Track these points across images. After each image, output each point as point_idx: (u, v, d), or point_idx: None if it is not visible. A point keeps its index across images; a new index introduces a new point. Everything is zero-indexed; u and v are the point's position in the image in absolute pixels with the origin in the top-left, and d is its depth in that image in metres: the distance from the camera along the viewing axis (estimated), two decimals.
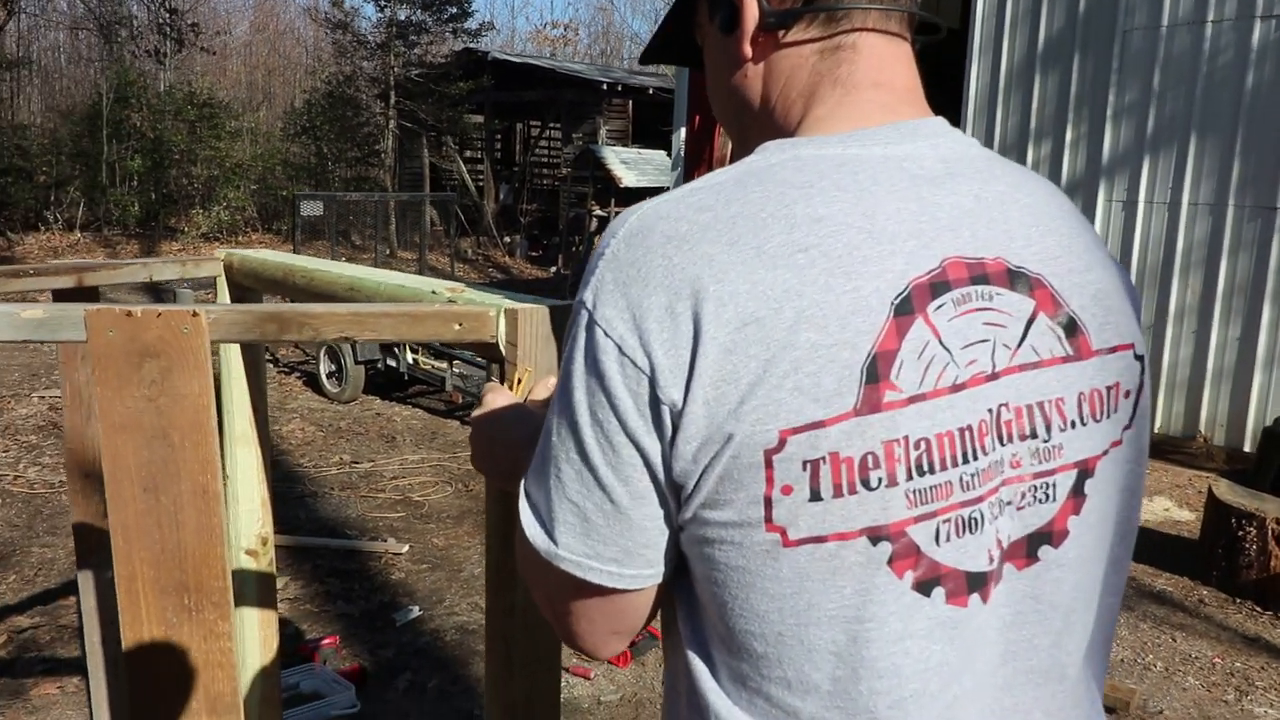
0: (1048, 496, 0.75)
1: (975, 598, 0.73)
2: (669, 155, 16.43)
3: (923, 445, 0.69)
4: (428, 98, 16.91)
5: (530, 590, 0.84)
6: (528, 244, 16.96)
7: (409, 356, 6.72)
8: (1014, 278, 0.74)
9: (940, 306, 0.70)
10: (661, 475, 0.70)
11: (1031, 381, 0.74)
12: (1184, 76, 5.92)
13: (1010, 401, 0.73)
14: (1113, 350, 0.78)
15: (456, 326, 1.16)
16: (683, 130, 8.86)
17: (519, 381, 1.13)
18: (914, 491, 0.69)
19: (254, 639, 1.87)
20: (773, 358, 0.66)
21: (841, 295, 0.68)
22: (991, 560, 0.73)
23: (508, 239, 17.13)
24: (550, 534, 0.73)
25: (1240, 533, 4.02)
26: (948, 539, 0.71)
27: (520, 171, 18.88)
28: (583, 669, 3.23)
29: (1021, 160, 6.70)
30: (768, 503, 0.68)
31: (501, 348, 1.17)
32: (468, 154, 19.39)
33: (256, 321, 1.15)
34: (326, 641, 3.24)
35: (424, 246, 9.17)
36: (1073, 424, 0.75)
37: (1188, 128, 5.93)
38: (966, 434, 0.71)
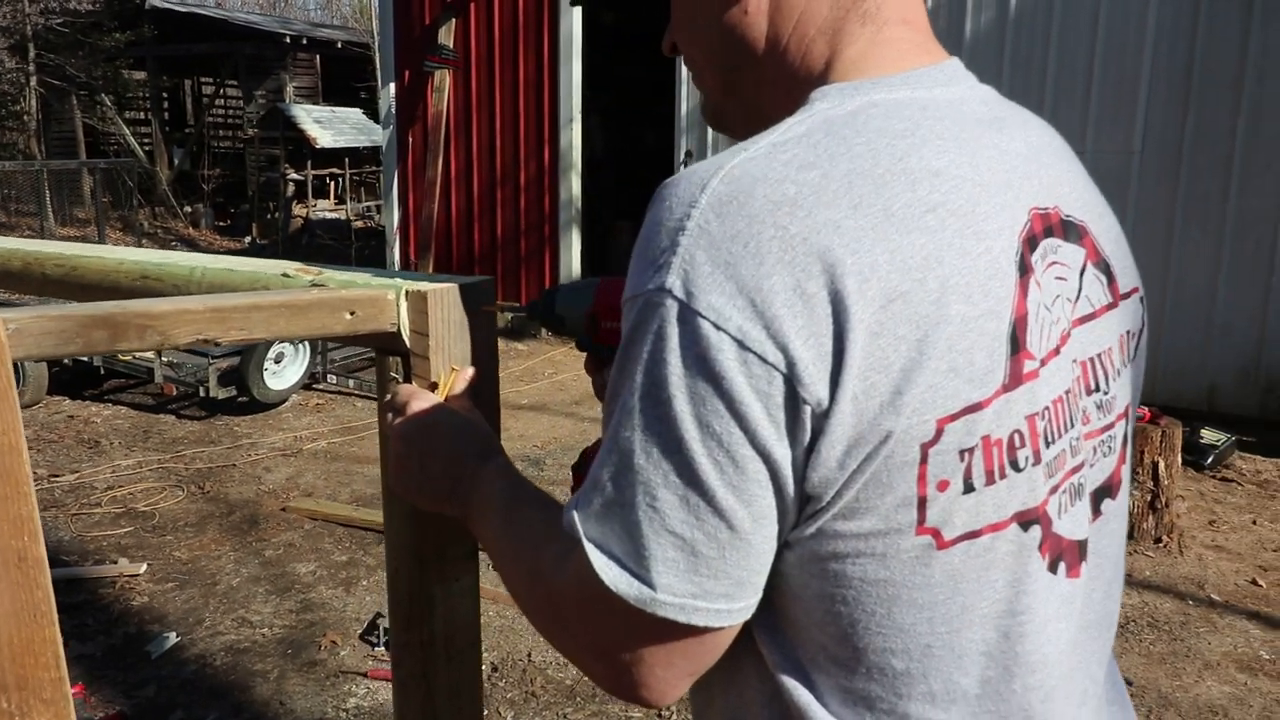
0: (1110, 450, 0.74)
1: (1083, 565, 0.70)
2: (366, 114, 15.64)
3: (1047, 414, 0.64)
4: (76, 51, 14.79)
5: (562, 639, 0.69)
6: (213, 213, 15.44)
7: None
8: (1067, 227, 0.70)
9: (1036, 262, 0.65)
10: (790, 488, 0.59)
11: (1090, 334, 0.71)
12: None
13: (1078, 356, 0.70)
14: (1130, 294, 0.77)
15: (348, 316, 0.95)
16: (391, 87, 8.39)
17: (443, 381, 0.95)
18: (1046, 465, 0.64)
19: None
20: (925, 337, 0.57)
21: (978, 259, 0.61)
22: (1089, 524, 0.71)
23: (189, 208, 15.49)
24: (644, 577, 0.60)
25: None
26: (1065, 510, 0.67)
27: (195, 134, 17.08)
28: (384, 672, 2.99)
29: None
30: (921, 503, 0.59)
31: (406, 339, 0.97)
32: (129, 115, 17.25)
33: (78, 329, 0.87)
34: (71, 693, 2.76)
35: (101, 220, 8.05)
36: (1118, 372, 0.74)
37: None
38: (1069, 397, 0.67)
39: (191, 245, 13.87)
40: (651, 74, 8.37)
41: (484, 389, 1.01)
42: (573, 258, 7.80)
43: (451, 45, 7.99)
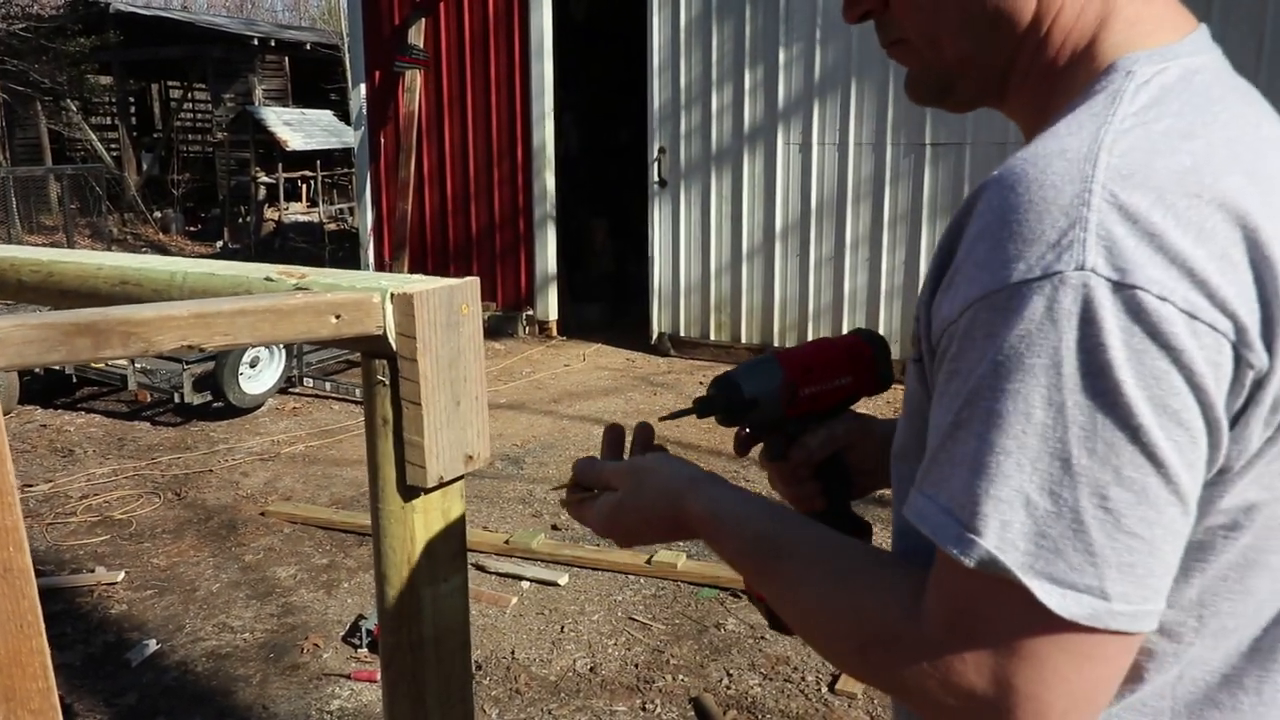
0: None
1: None
2: (337, 115, 15.51)
3: None
4: (40, 56, 14.58)
5: (902, 689, 0.63)
6: (184, 218, 15.28)
7: None
8: None
9: None
10: (1218, 464, 0.59)
11: None
12: (840, 26, 6.42)
13: None
14: None
15: (334, 320, 0.95)
16: (362, 88, 8.34)
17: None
18: None
19: None
20: None
21: None
22: None
23: (159, 214, 15.32)
24: (1098, 589, 0.56)
25: None
26: None
27: (164, 138, 16.89)
28: (367, 673, 2.99)
29: (706, 108, 7.00)
30: None
31: (391, 341, 0.97)
32: (95, 120, 17.03)
33: (61, 336, 0.87)
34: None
35: (70, 227, 7.95)
36: None
37: (848, 74, 6.48)
38: None
39: (162, 251, 13.71)
40: (624, 71, 8.38)
41: (470, 389, 1.01)
42: (548, 255, 7.79)
43: (422, 45, 7.96)
